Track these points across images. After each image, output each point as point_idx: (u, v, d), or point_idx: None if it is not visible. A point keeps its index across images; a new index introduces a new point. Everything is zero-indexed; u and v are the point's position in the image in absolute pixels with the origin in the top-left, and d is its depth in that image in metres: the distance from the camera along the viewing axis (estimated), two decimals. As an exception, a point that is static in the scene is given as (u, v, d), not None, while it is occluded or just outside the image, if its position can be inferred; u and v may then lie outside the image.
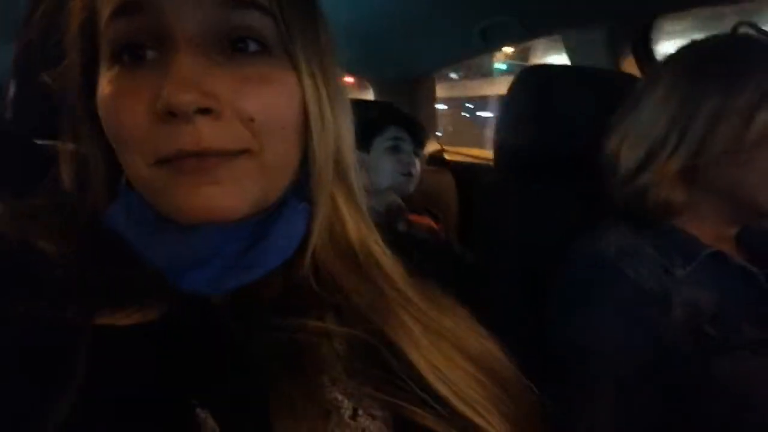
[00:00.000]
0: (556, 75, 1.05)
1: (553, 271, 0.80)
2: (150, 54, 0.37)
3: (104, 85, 0.39)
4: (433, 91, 2.31)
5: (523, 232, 0.93)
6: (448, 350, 0.42)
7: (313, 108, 0.41)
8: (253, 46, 0.38)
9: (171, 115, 0.35)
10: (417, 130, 1.52)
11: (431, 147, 2.25)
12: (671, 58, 0.79)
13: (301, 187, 0.43)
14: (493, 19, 1.52)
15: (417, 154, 1.52)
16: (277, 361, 0.38)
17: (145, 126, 0.36)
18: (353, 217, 0.45)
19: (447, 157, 2.19)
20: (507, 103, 1.03)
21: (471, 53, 1.90)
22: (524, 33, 1.56)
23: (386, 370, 0.40)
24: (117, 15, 0.37)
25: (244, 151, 0.38)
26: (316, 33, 0.43)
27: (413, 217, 1.48)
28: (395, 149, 1.43)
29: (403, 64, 2.10)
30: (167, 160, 0.37)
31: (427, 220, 1.52)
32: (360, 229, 0.45)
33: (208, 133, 0.36)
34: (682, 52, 0.78)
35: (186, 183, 0.37)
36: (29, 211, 0.42)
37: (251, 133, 0.38)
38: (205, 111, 0.35)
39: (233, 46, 0.38)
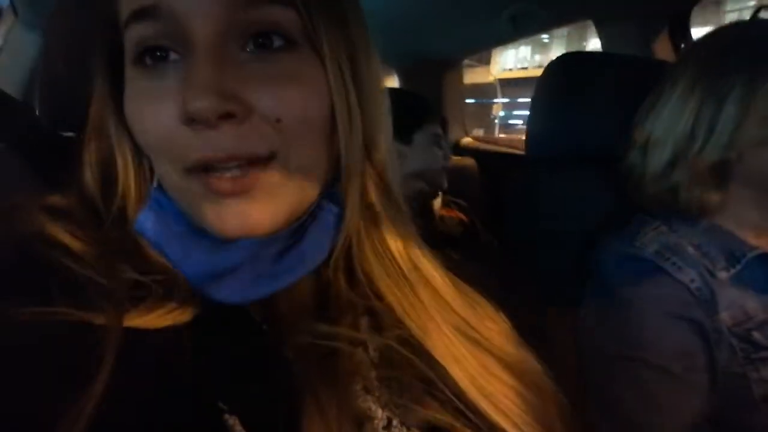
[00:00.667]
0: (589, 62, 1.02)
1: (587, 269, 0.78)
2: (173, 56, 0.36)
3: (129, 89, 0.38)
4: (461, 80, 2.27)
5: (556, 224, 0.90)
6: (486, 359, 0.41)
7: (339, 105, 0.39)
8: (277, 42, 0.36)
9: (192, 122, 0.34)
10: (444, 125, 1.50)
11: (457, 134, 2.23)
12: (689, 50, 0.76)
13: (335, 188, 0.42)
14: (522, 5, 1.48)
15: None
16: (309, 368, 0.37)
17: (171, 133, 0.35)
18: (389, 215, 0.43)
19: (472, 145, 2.15)
20: (539, 91, 1.00)
21: (500, 40, 1.86)
22: (554, 19, 1.52)
23: (422, 380, 0.39)
24: (135, 19, 0.36)
25: (272, 156, 0.36)
26: (344, 24, 0.40)
27: (442, 211, 1.46)
28: (437, 145, 1.42)
29: (429, 51, 2.06)
30: (195, 169, 0.36)
31: (456, 213, 1.50)
32: (397, 228, 0.43)
33: (232, 139, 0.34)
34: (700, 42, 0.75)
35: (216, 200, 0.36)
36: (55, 206, 0.41)
37: (278, 136, 0.36)
38: (227, 116, 0.34)
39: (256, 43, 0.36)
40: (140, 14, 0.35)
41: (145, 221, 0.40)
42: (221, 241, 0.38)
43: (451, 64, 2.20)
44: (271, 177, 0.36)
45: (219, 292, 0.38)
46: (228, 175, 0.35)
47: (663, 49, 1.28)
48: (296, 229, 0.40)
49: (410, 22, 1.76)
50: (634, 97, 0.81)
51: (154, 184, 0.41)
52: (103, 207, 0.42)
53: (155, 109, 0.36)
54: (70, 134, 0.60)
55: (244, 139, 0.35)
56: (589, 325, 0.75)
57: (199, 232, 0.38)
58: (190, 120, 0.34)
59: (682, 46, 1.28)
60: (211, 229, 0.37)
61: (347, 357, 0.38)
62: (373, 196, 0.42)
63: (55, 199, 0.42)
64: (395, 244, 0.43)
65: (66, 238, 0.38)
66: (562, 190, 0.93)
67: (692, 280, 0.67)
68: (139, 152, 0.41)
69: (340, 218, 0.42)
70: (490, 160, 1.83)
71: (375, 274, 0.42)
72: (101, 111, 0.42)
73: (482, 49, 2.15)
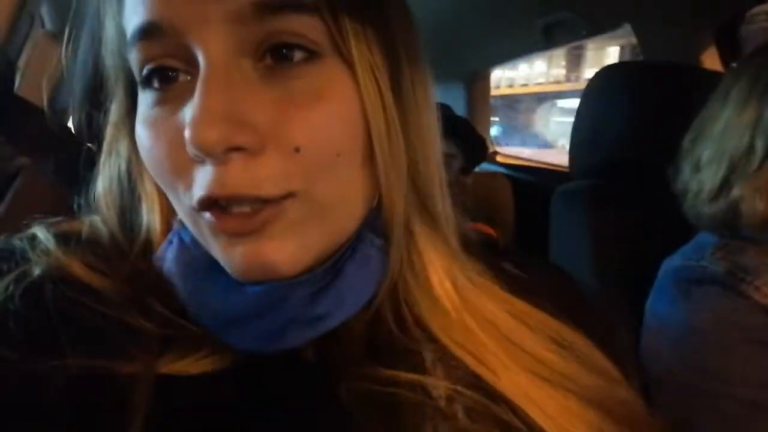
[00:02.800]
0: (634, 73, 0.98)
1: (641, 293, 0.72)
2: (182, 77, 0.31)
3: (139, 114, 0.34)
4: (488, 90, 2.22)
5: (603, 244, 0.85)
6: (565, 398, 0.36)
7: (377, 124, 0.33)
8: (299, 55, 0.31)
9: (198, 157, 0.29)
10: (472, 146, 1.42)
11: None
12: (738, 65, 0.72)
13: (377, 218, 0.37)
14: (557, 15, 1.44)
15: (466, 172, 1.41)
16: (370, 419, 0.32)
17: (177, 166, 0.31)
18: (438, 252, 0.38)
19: (499, 159, 2.10)
20: (583, 104, 0.96)
21: (531, 50, 1.81)
22: (590, 28, 1.47)
23: (501, 428, 0.33)
24: (138, 38, 0.31)
25: (288, 196, 0.31)
26: (383, 30, 0.34)
27: (469, 226, 1.41)
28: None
29: (457, 61, 2.02)
30: (200, 209, 0.31)
31: (484, 228, 1.45)
32: (447, 265, 0.38)
33: (240, 176, 0.29)
34: (752, 55, 0.71)
35: (228, 240, 0.31)
36: (74, 234, 0.37)
37: (297, 169, 0.30)
38: (238, 148, 0.29)
39: (274, 56, 0.31)
40: (141, 33, 0.31)
41: (164, 255, 0.36)
42: (241, 283, 0.33)
43: (479, 75, 2.16)
44: (290, 213, 0.31)
45: (240, 339, 0.33)
46: (236, 211, 0.30)
47: (709, 59, 1.22)
48: (331, 267, 0.34)
49: (440, 30, 1.72)
50: (683, 107, 0.76)
51: (179, 214, 0.37)
52: (122, 236, 0.38)
53: (161, 140, 0.31)
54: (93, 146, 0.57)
55: (254, 178, 0.29)
56: (656, 354, 0.69)
57: (218, 270, 0.34)
58: (195, 155, 0.29)
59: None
60: (225, 268, 0.33)
61: (413, 407, 0.33)
62: (416, 225, 0.37)
63: (76, 224, 0.39)
64: (443, 282, 0.37)
65: (85, 275, 0.34)
66: (609, 208, 0.87)
67: None
68: None
69: (384, 251, 0.36)
70: (520, 175, 1.78)
71: (428, 316, 0.36)
72: (116, 133, 0.38)
73: (512, 59, 2.10)
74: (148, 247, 0.37)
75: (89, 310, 0.32)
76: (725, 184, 0.67)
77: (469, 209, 1.46)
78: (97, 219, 0.39)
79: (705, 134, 0.71)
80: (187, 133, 0.28)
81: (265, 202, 0.30)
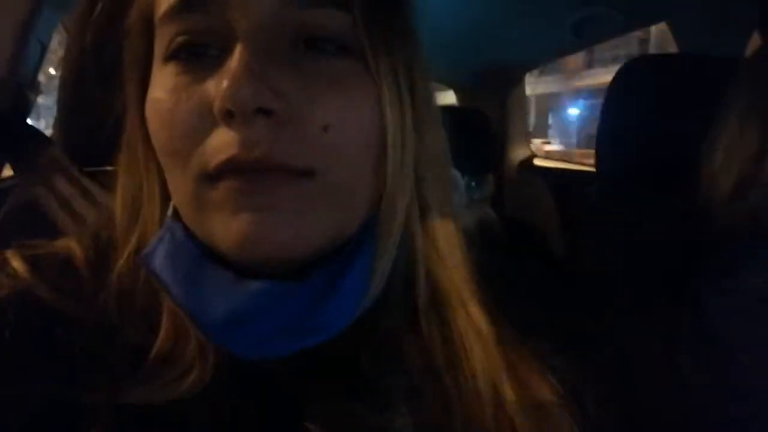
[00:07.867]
0: (667, 66, 0.91)
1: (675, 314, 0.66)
2: (212, 52, 0.32)
3: (155, 86, 0.34)
4: (523, 95, 2.16)
5: (636, 251, 0.79)
6: None
7: (393, 123, 0.33)
8: (330, 48, 0.33)
9: (228, 115, 0.29)
10: (483, 144, 1.38)
11: (522, 153, 2.12)
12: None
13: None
14: (587, 11, 1.38)
15: (472, 186, 1.38)
16: None
17: (197, 130, 0.31)
18: (437, 260, 0.37)
19: (537, 162, 2.04)
20: (610, 100, 0.90)
21: (563, 50, 1.75)
22: (623, 24, 1.40)
23: None
24: (176, 12, 0.32)
25: (307, 173, 0.31)
26: (404, 35, 0.36)
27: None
28: None
29: (487, 67, 1.97)
30: (217, 175, 0.30)
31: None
32: (443, 279, 0.37)
33: (269, 140, 0.30)
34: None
35: (235, 206, 0.30)
36: (48, 256, 0.37)
37: (321, 147, 0.31)
38: (268, 112, 0.29)
39: (308, 45, 0.32)
40: (182, 5, 0.32)
41: (153, 253, 0.34)
42: (241, 277, 0.32)
43: (514, 79, 2.10)
44: (305, 191, 0.31)
45: (235, 342, 0.32)
46: (253, 186, 0.30)
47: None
48: (337, 268, 0.33)
49: (468, 35, 1.68)
50: (719, 104, 0.70)
51: (170, 211, 0.36)
52: (122, 243, 0.37)
53: (182, 103, 0.31)
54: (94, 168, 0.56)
55: (280, 144, 0.30)
56: (688, 373, 0.63)
57: (215, 265, 0.32)
58: (227, 113, 0.29)
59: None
60: (224, 245, 0.31)
61: None
62: (416, 232, 0.37)
63: (55, 245, 0.38)
64: (428, 299, 0.37)
65: (53, 298, 0.33)
66: (640, 213, 0.82)
67: None
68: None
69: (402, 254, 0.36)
70: (559, 179, 1.71)
71: (405, 339, 0.35)
72: (133, 134, 0.37)
73: (544, 62, 2.04)
74: (139, 248, 0.36)
75: (52, 336, 0.32)
76: (739, 192, 0.60)
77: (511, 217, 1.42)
78: (75, 237, 0.39)
79: (720, 129, 0.64)
80: (223, 90, 0.28)
81: (285, 172, 0.30)
